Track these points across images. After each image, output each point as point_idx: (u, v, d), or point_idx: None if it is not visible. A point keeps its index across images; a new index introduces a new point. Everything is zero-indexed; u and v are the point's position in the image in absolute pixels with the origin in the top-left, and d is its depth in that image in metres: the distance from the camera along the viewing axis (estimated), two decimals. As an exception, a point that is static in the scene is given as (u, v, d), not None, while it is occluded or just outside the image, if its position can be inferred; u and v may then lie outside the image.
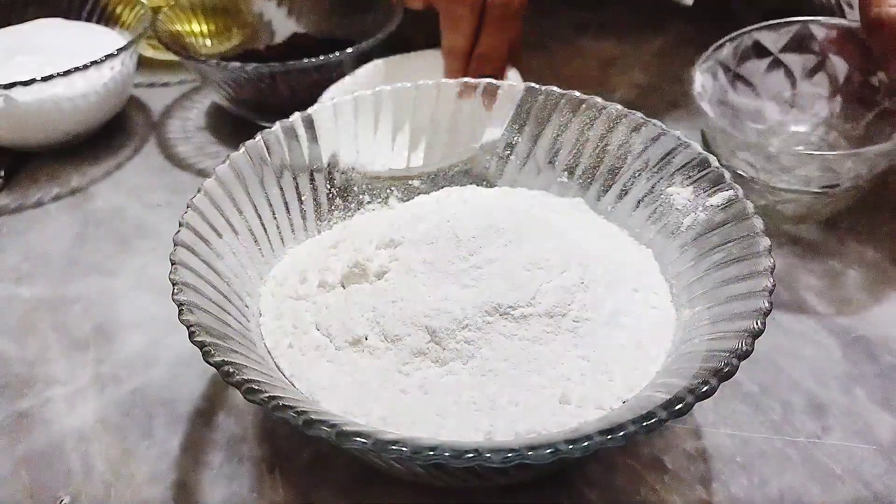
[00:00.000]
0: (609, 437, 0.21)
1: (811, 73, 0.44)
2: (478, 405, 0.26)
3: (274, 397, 0.22)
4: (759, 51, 0.44)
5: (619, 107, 0.36)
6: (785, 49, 0.44)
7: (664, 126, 0.34)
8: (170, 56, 0.57)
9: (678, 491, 0.30)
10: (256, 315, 0.31)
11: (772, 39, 0.44)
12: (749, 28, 0.44)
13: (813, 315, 0.37)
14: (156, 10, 0.56)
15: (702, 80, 0.42)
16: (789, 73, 0.44)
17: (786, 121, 0.44)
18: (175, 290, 0.26)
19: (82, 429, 0.33)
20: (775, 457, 0.31)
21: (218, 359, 0.23)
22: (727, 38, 0.43)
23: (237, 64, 0.48)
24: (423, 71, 0.47)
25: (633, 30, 0.67)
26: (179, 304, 0.25)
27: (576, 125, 0.37)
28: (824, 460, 0.31)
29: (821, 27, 0.43)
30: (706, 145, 0.42)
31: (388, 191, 0.39)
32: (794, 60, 0.44)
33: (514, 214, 0.32)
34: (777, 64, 0.44)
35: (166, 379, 0.35)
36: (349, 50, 0.48)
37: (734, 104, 0.44)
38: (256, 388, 0.23)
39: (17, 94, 0.46)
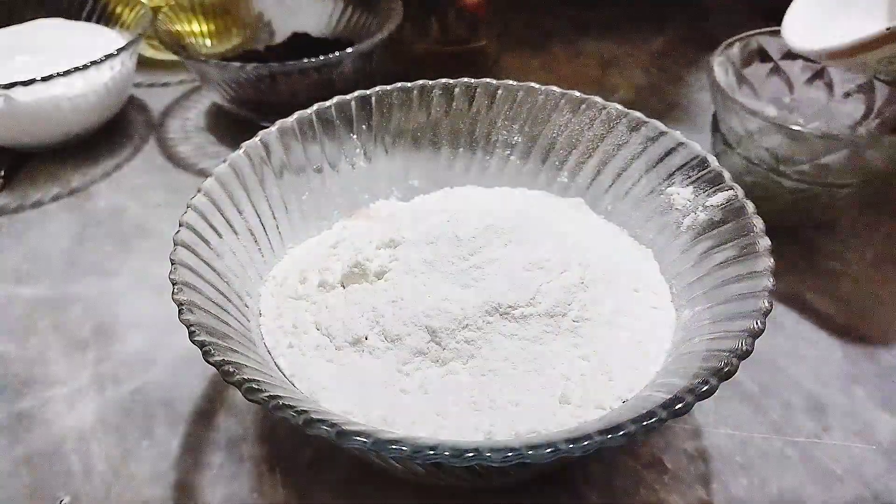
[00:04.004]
0: (609, 436, 0.21)
1: (810, 80, 0.44)
2: (478, 405, 0.26)
3: (274, 397, 0.22)
4: (763, 55, 0.44)
5: (619, 107, 0.36)
6: (786, 56, 0.44)
7: (664, 126, 0.34)
8: (170, 56, 0.57)
9: (678, 491, 0.30)
10: (256, 315, 0.31)
11: (774, 45, 0.44)
12: (754, 32, 0.44)
13: (813, 315, 0.37)
14: (156, 10, 0.56)
15: (718, 71, 0.42)
16: (788, 80, 0.45)
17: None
18: (175, 290, 0.26)
19: (82, 429, 0.33)
20: (775, 457, 0.31)
21: (218, 358, 0.23)
22: (736, 38, 0.43)
23: (237, 64, 0.48)
24: None
25: (633, 30, 0.67)
26: (179, 304, 0.25)
27: (576, 125, 0.37)
28: (824, 460, 0.31)
29: None
30: (716, 131, 0.42)
31: (389, 191, 0.39)
32: (793, 67, 0.44)
33: (514, 214, 0.32)
34: (778, 69, 0.45)
35: (166, 379, 0.35)
36: (349, 50, 0.48)
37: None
38: (256, 387, 0.23)
39: (17, 94, 0.46)
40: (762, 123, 0.38)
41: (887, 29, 0.33)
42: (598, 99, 0.36)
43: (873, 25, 0.37)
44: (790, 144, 0.37)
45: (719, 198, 0.31)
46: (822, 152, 0.37)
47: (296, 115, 0.36)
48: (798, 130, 0.37)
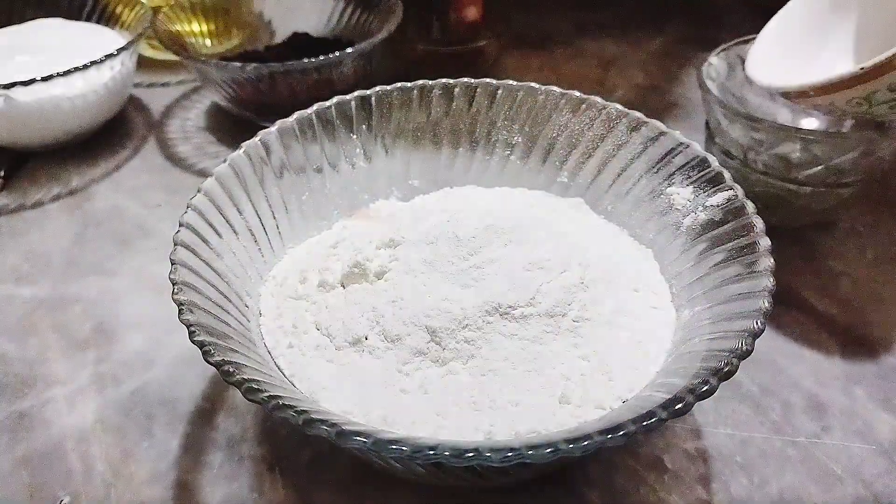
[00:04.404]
0: (609, 436, 0.21)
1: None
2: (478, 405, 0.26)
3: (274, 397, 0.22)
4: None
5: (619, 107, 0.36)
6: None
7: (664, 126, 0.34)
8: (170, 56, 0.57)
9: (678, 491, 0.30)
10: (256, 315, 0.31)
11: None
12: None
13: (813, 315, 0.37)
14: (156, 10, 0.56)
15: (716, 62, 0.42)
16: None
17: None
18: (175, 290, 0.26)
19: (82, 429, 0.33)
20: (775, 457, 0.31)
21: (218, 358, 0.23)
22: (753, 36, 0.43)
23: (237, 64, 0.48)
24: None
25: (633, 30, 0.67)
26: (179, 304, 0.25)
27: (576, 125, 0.37)
28: (824, 460, 0.31)
29: None
30: (707, 126, 0.42)
31: (389, 191, 0.39)
32: None
33: (514, 214, 0.32)
34: None
35: (166, 379, 0.35)
36: (349, 50, 0.48)
37: (749, 101, 0.44)
38: (256, 387, 0.23)
39: (17, 94, 0.46)
40: (726, 112, 0.38)
41: (861, 68, 0.33)
42: (598, 99, 0.36)
43: (833, 65, 0.37)
44: (751, 134, 0.37)
45: (719, 198, 0.31)
46: (775, 143, 0.37)
47: (296, 115, 0.36)
48: (756, 119, 0.37)
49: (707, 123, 0.42)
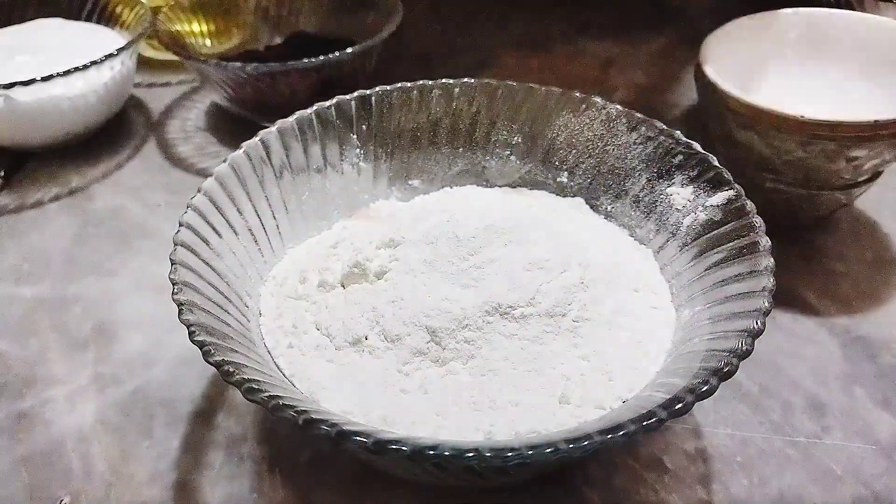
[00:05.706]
0: (609, 436, 0.21)
1: None
2: (478, 405, 0.26)
3: (274, 397, 0.22)
4: None
5: (619, 107, 0.36)
6: None
7: (664, 126, 0.34)
8: (170, 56, 0.57)
9: (678, 491, 0.30)
10: (256, 315, 0.31)
11: None
12: None
13: (813, 315, 0.37)
14: (156, 10, 0.56)
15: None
16: None
17: None
18: (175, 290, 0.26)
19: (82, 429, 0.33)
20: (775, 457, 0.31)
21: (218, 358, 0.23)
22: None
23: (237, 64, 0.48)
24: None
25: (633, 30, 0.67)
26: (179, 304, 0.25)
27: (576, 125, 0.37)
28: (824, 460, 0.31)
29: None
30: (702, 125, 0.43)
31: (389, 191, 0.39)
32: None
33: (514, 214, 0.32)
34: None
35: (166, 379, 0.35)
36: (349, 50, 0.48)
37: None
38: (256, 387, 0.23)
39: (17, 94, 0.46)
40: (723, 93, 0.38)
41: (801, 117, 0.35)
42: (598, 99, 0.36)
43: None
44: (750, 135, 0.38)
45: (719, 198, 0.31)
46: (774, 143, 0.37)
47: (296, 115, 0.36)
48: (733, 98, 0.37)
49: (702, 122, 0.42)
